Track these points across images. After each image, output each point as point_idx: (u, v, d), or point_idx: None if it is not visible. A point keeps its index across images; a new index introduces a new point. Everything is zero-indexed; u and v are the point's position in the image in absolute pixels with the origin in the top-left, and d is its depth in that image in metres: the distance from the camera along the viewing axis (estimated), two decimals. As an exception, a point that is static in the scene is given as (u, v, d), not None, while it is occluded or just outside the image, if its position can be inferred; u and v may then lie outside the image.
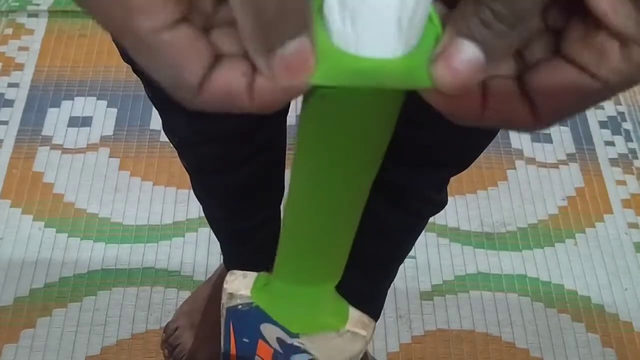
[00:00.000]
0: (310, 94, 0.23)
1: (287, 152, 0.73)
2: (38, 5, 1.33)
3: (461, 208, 1.12)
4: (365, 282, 0.78)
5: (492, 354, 0.98)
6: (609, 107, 1.28)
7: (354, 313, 0.37)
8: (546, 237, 1.11)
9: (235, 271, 0.38)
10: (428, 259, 1.06)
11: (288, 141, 0.73)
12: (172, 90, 0.22)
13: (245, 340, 0.40)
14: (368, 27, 0.20)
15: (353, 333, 0.36)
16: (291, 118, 1.18)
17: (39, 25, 1.30)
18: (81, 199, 1.08)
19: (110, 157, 1.13)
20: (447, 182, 0.68)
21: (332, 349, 0.37)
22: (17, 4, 1.32)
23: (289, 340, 0.38)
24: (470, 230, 1.10)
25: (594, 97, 0.22)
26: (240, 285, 0.37)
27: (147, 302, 0.99)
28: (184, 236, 1.06)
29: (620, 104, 1.29)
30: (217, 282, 0.96)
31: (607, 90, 0.21)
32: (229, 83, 0.21)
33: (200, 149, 0.63)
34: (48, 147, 1.13)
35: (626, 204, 1.15)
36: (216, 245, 0.96)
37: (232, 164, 0.64)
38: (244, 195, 0.72)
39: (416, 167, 0.59)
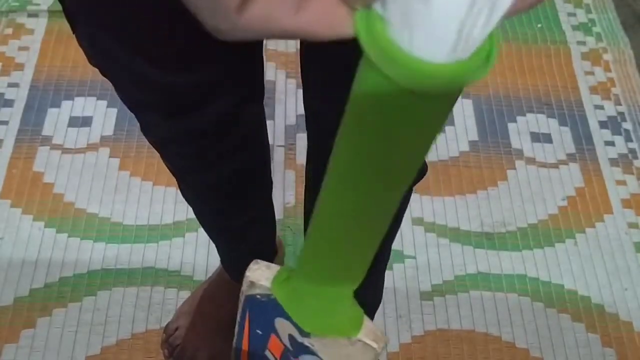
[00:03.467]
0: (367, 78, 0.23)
1: (270, 150, 0.73)
2: (38, 5, 1.32)
3: (461, 208, 1.12)
4: None
5: (492, 353, 0.98)
6: (609, 107, 1.28)
7: (368, 324, 0.37)
8: (546, 237, 1.11)
9: (259, 261, 0.38)
10: (428, 259, 1.06)
11: (272, 141, 0.72)
12: (209, 17, 0.21)
13: (259, 332, 0.40)
14: (425, 36, 0.20)
15: (364, 344, 0.36)
16: (291, 118, 1.19)
17: (39, 25, 1.30)
18: (81, 199, 1.08)
19: (110, 157, 1.13)
20: None
21: (342, 357, 0.37)
22: (17, 4, 1.32)
23: (300, 339, 0.37)
24: (470, 230, 1.10)
25: None
26: (262, 275, 0.37)
27: (147, 302, 0.99)
28: (184, 236, 1.06)
29: (620, 104, 1.29)
30: (215, 281, 0.96)
31: None
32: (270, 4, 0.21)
33: (180, 147, 0.63)
34: (48, 147, 1.13)
35: (626, 204, 1.15)
36: (216, 245, 0.96)
37: (214, 161, 0.64)
38: (231, 193, 0.72)
39: None
